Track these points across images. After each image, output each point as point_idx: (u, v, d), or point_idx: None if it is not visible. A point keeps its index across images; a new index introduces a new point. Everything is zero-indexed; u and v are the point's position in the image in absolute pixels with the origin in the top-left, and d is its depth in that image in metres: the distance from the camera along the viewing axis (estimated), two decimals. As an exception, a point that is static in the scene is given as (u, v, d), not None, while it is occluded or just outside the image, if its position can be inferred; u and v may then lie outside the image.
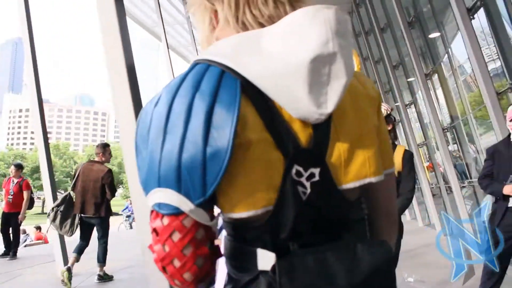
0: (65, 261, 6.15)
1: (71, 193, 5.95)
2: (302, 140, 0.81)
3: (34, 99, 6.49)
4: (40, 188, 47.75)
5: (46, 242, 14.46)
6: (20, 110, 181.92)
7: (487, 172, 3.76)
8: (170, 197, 0.76)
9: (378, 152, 0.89)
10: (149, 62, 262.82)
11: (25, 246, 13.03)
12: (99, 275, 5.86)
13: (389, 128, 3.47)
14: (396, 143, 3.58)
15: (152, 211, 0.80)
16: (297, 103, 0.79)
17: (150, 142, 0.78)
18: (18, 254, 8.50)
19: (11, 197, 8.42)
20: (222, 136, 0.75)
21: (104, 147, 6.41)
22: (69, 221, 5.68)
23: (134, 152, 0.83)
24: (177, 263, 0.78)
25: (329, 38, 0.78)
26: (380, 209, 0.98)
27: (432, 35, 9.02)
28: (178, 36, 17.85)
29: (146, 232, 2.57)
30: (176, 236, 0.77)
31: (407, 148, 3.55)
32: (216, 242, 0.86)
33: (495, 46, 6.00)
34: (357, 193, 0.89)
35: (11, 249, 8.40)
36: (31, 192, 8.77)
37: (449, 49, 8.25)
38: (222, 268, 1.40)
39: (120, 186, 55.54)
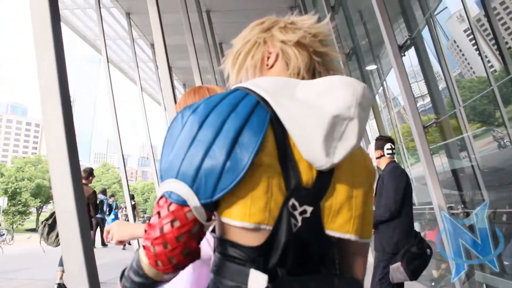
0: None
1: None
2: (304, 179, 0.92)
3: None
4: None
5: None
6: None
7: None
8: (182, 189, 0.88)
9: (362, 217, 1.01)
10: (89, 76, 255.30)
11: None
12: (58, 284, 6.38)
13: None
14: None
15: (162, 197, 0.90)
16: (310, 147, 0.91)
17: (179, 140, 0.91)
18: None
19: None
20: (244, 155, 0.87)
21: (90, 172, 7.29)
22: (55, 233, 6.18)
23: (163, 144, 0.95)
24: (168, 246, 0.87)
25: (352, 105, 0.92)
26: (348, 266, 1.07)
27: (368, 67, 9.46)
28: (119, 51, 17.55)
29: (70, 246, 2.47)
30: (176, 224, 0.88)
31: None
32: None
33: (424, 82, 6.41)
34: (336, 239, 0.98)
35: None
36: None
37: (384, 82, 8.68)
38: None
39: (50, 201, 52.82)
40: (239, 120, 0.88)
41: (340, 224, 0.96)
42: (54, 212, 6.18)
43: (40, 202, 50.96)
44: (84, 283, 2.46)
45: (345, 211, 0.97)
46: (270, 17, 1.13)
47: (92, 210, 7.00)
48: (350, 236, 0.97)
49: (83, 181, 6.90)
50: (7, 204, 44.32)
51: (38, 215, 54.31)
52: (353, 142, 0.93)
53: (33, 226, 52.34)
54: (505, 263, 4.23)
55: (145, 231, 0.91)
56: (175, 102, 5.65)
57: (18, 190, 48.13)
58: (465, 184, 5.64)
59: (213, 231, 0.99)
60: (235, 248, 0.91)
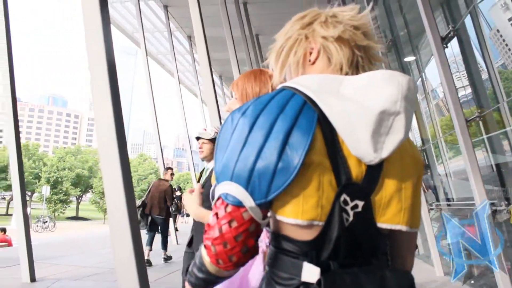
0: (31, 265, 6.03)
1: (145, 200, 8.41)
2: (354, 174, 0.94)
3: (8, 97, 6.35)
4: (6, 188, 46.29)
5: (10, 245, 14.03)
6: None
7: None
8: (237, 191, 0.91)
9: (411, 208, 1.02)
10: (126, 68, 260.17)
11: (-12, 248, 12.60)
12: (164, 258, 8.54)
13: None
14: None
15: (219, 198, 0.95)
16: (358, 143, 0.93)
17: (231, 143, 0.94)
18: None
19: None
20: (295, 155, 0.89)
21: (167, 169, 9.20)
22: (143, 218, 8.29)
23: (216, 147, 0.98)
24: (227, 246, 0.92)
25: (398, 99, 0.93)
26: (398, 257, 1.10)
27: (407, 59, 9.28)
28: (157, 43, 17.81)
29: (120, 235, 2.58)
30: (234, 224, 0.92)
31: None
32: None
33: (466, 74, 6.24)
34: (387, 231, 1.01)
35: None
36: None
37: (423, 73, 8.50)
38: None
39: (89, 190, 54.44)
40: (288, 121, 0.91)
41: (390, 216, 0.98)
42: (143, 201, 8.33)
43: (80, 191, 52.52)
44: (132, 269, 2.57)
45: (395, 203, 0.99)
46: (311, 9, 1.12)
47: (168, 201, 8.57)
48: (401, 227, 0.99)
49: (163, 177, 9.17)
50: (50, 193, 46.03)
51: (78, 203, 56.04)
52: (400, 136, 0.94)
53: (73, 214, 54.13)
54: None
55: (205, 231, 0.96)
56: (215, 94, 5.72)
57: (59, 179, 49.80)
58: (509, 179, 5.48)
59: (267, 225, 1.02)
60: (289, 242, 0.95)
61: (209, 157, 3.73)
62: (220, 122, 6.02)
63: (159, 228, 8.58)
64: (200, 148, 3.72)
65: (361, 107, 0.93)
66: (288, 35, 1.12)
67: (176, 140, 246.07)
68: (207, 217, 1.48)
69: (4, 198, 56.96)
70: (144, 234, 7.87)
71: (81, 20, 2.78)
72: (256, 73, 1.77)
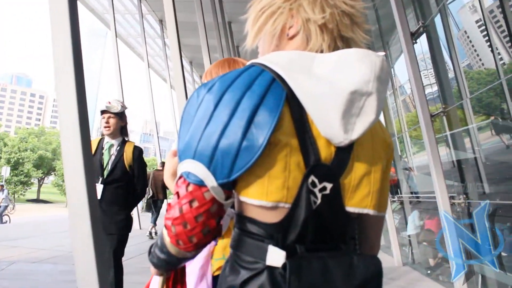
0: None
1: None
2: (323, 156, 0.91)
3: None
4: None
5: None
6: None
7: None
8: (199, 170, 0.89)
9: (380, 191, 1.01)
10: (95, 49, 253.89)
11: None
12: (150, 232, 10.47)
13: (123, 123, 3.63)
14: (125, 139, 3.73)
15: (180, 177, 0.92)
16: (328, 124, 0.89)
17: (195, 120, 0.91)
18: None
19: None
20: (260, 134, 0.86)
21: (163, 163, 10.96)
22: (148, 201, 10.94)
23: (180, 123, 0.95)
24: (187, 226, 0.90)
25: (371, 79, 0.90)
26: (365, 242, 1.07)
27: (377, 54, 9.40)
28: (127, 25, 17.43)
29: (79, 221, 2.52)
30: (195, 204, 0.90)
31: (136, 145, 3.70)
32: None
33: (433, 70, 6.38)
34: (355, 215, 0.98)
35: None
36: None
37: (392, 69, 8.64)
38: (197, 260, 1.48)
39: (52, 173, 53.13)
40: (254, 98, 0.88)
41: (359, 199, 0.96)
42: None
43: (42, 173, 51.24)
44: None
45: (364, 186, 0.97)
46: None
47: (161, 194, 10.93)
48: (369, 211, 0.97)
49: (160, 168, 11.30)
50: (10, 174, 44.68)
51: (40, 186, 54.70)
52: (372, 117, 0.91)
53: (34, 197, 52.82)
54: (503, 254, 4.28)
55: (166, 210, 0.93)
56: (184, 80, 5.65)
57: (20, 160, 48.39)
58: (468, 175, 5.67)
59: (233, 207, 1.00)
60: (254, 224, 0.92)
61: (115, 132, 3.56)
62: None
63: (156, 209, 10.97)
64: (106, 123, 3.52)
65: (332, 86, 0.90)
66: None
67: (143, 125, 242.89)
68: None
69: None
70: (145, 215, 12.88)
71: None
72: (230, 62, 1.73)
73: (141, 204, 16.02)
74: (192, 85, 21.72)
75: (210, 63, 9.13)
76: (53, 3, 2.63)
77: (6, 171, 41.59)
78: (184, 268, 1.30)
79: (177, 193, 0.92)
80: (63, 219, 15.69)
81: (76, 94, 2.54)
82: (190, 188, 0.89)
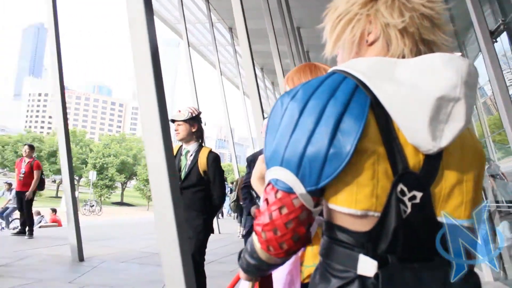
0: (79, 245, 6.33)
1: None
2: (411, 163, 0.88)
3: (56, 85, 6.56)
4: (56, 172, 48.18)
5: (60, 225, 14.67)
6: (40, 94, 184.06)
7: (245, 183, 3.86)
8: (287, 177, 0.89)
9: (473, 201, 0.96)
10: (169, 59, 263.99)
11: (39, 227, 13.20)
12: (242, 234, 10.98)
13: (194, 129, 3.68)
14: (202, 144, 3.82)
15: (269, 184, 0.93)
16: (415, 131, 0.87)
17: (280, 128, 0.91)
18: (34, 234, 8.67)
19: (22, 176, 8.68)
20: (347, 141, 0.85)
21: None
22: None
23: (264, 131, 0.96)
24: (277, 232, 0.91)
25: (458, 84, 0.87)
26: None
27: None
28: (199, 34, 17.96)
29: (164, 224, 2.68)
30: (284, 210, 0.90)
31: (212, 151, 3.73)
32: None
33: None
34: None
35: (26, 227, 8.61)
36: (42, 173, 8.94)
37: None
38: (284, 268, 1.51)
39: (134, 177, 55.93)
40: (338, 106, 0.87)
41: (451, 209, 0.92)
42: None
43: (124, 177, 54.02)
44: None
45: (456, 196, 0.92)
46: None
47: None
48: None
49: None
50: (96, 178, 47.66)
51: (123, 189, 57.71)
52: (461, 124, 0.88)
53: (118, 200, 55.82)
54: None
55: (255, 216, 0.95)
56: (257, 86, 5.73)
57: (105, 165, 51.45)
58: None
59: (321, 214, 0.99)
60: (343, 232, 0.90)
61: (187, 138, 3.67)
62: (263, 114, 6.01)
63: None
64: (176, 130, 3.68)
65: (417, 92, 0.87)
66: (350, 3, 1.03)
67: (218, 131, 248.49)
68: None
69: (54, 181, 59.48)
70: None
71: (125, 12, 2.86)
72: (311, 67, 1.72)
73: (227, 208, 16.41)
74: (264, 91, 21.96)
75: (282, 69, 9.21)
76: (132, 16, 2.81)
77: (93, 175, 44.54)
78: (271, 274, 1.29)
79: (266, 199, 0.92)
80: (145, 222, 16.40)
81: (157, 102, 2.71)
82: (279, 195, 0.90)
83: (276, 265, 1.02)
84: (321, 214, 1.00)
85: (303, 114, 0.89)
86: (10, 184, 15.87)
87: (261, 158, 1.53)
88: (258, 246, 0.97)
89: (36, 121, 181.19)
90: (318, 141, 0.86)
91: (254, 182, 1.49)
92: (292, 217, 0.90)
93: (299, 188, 0.89)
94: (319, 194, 0.91)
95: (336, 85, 0.90)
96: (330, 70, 0.98)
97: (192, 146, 3.68)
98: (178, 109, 3.72)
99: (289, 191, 0.89)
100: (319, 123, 0.87)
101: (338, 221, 0.92)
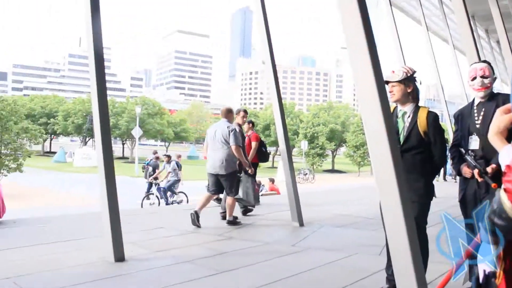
0: (298, 210, 6.83)
1: None
2: None
3: (268, 62, 7.01)
4: (271, 144, 52.26)
5: (278, 193, 16.00)
6: (251, 73, 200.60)
7: (455, 141, 3.68)
8: None
9: None
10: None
11: (261, 195, 14.66)
12: None
13: (410, 89, 3.48)
14: (419, 104, 3.64)
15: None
16: None
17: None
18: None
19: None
20: None
21: None
22: None
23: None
24: None
25: None
26: None
27: None
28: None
29: (387, 190, 2.70)
30: None
31: (430, 110, 3.59)
32: None
33: None
34: None
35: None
36: (263, 146, 9.64)
37: None
38: None
39: (343, 144, 57.03)
40: None
41: None
42: None
43: (334, 145, 55.43)
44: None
45: None
46: None
47: None
48: None
49: None
50: (308, 147, 50.18)
51: (333, 157, 59.47)
52: None
53: (330, 167, 57.85)
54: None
55: (504, 173, 0.87)
56: (474, 41, 5.15)
57: (315, 134, 53.58)
58: None
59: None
60: None
61: (402, 99, 3.54)
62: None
63: None
64: (390, 91, 3.56)
65: None
66: None
67: (426, 91, 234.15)
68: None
69: (269, 153, 64.92)
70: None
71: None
72: None
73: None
74: (477, 40, 19.66)
75: (500, 12, 8.03)
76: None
77: (304, 145, 47.10)
78: None
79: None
80: (358, 188, 16.69)
81: (371, 64, 2.67)
82: None
83: None
84: None
85: None
86: (169, 157, 16.47)
87: (500, 110, 1.34)
88: (508, 205, 0.87)
89: (249, 98, 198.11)
90: None
91: (491, 137, 1.33)
92: None
93: None
94: None
95: None
96: None
97: (408, 107, 3.57)
98: (391, 69, 3.62)
99: None
100: None
101: None
